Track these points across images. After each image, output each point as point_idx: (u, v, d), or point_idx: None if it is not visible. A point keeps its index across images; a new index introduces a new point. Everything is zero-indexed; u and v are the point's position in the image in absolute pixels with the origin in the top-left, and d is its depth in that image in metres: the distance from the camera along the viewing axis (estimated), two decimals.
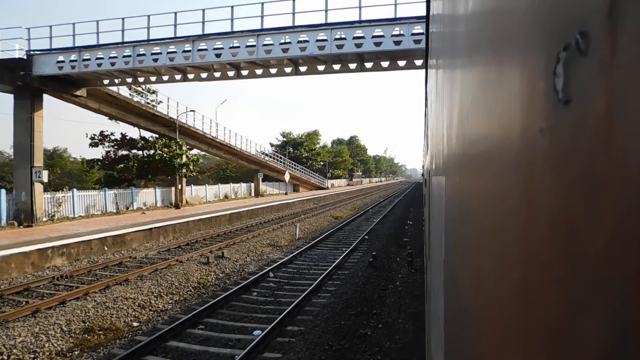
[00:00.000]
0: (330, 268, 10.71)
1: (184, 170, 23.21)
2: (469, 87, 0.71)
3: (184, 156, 23.62)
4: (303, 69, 13.98)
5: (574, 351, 0.22)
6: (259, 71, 14.46)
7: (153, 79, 15.65)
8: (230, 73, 14.61)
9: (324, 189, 49.16)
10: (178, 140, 22.08)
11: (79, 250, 11.72)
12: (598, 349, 0.19)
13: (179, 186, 22.93)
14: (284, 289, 9.43)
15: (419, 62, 12.72)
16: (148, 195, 22.28)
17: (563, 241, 0.24)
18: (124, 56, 14.13)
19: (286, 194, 38.70)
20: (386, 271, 10.82)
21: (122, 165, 21.80)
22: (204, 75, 14.90)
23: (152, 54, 13.94)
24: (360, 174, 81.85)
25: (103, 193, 19.21)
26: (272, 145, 52.46)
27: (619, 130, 0.18)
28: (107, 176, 21.99)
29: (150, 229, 14.68)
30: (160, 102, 23.24)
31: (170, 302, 8.83)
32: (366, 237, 16.13)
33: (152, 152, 22.60)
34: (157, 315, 8.00)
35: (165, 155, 22.04)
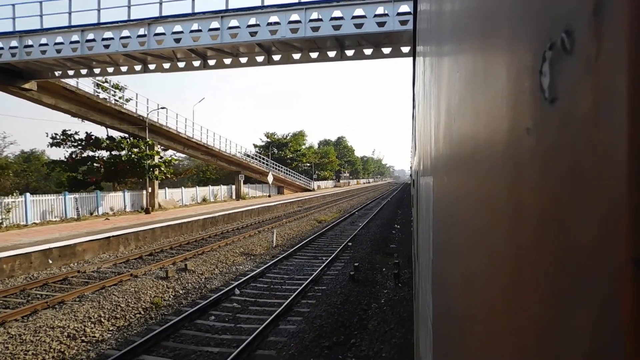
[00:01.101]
0: (305, 283, 9.35)
1: (156, 173, 21.55)
2: (456, 87, 0.71)
3: (156, 157, 21.96)
4: (276, 57, 12.58)
5: (562, 349, 0.22)
6: (227, 60, 13.00)
7: (110, 70, 14.05)
8: (196, 63, 13.13)
9: (309, 190, 47.58)
10: (148, 139, 20.41)
11: (14, 265, 10.10)
12: (586, 346, 0.19)
13: (150, 189, 21.24)
14: (248, 310, 8.01)
15: (405, 49, 11.44)
16: (116, 200, 20.57)
17: (550, 239, 0.24)
18: (72, 42, 12.50)
19: (269, 196, 37.11)
20: (369, 285, 9.49)
21: (85, 167, 19.96)
22: (166, 65, 13.38)
23: (103, 39, 12.35)
24: (348, 175, 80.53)
25: (62, 197, 17.48)
26: (255, 146, 50.80)
27: (604, 129, 0.18)
28: (71, 179, 20.18)
29: (108, 237, 13.09)
30: (130, 99, 21.60)
31: (110, 329, 7.34)
32: (350, 243, 14.81)
33: (120, 152, 20.89)
34: (88, 349, 6.51)
35: (133, 156, 20.34)
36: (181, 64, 13.28)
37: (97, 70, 14.19)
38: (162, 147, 25.49)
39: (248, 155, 36.17)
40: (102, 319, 7.60)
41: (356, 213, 26.32)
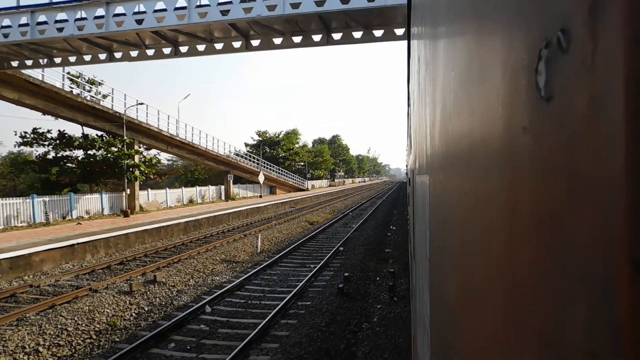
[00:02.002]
0: (288, 297, 8.15)
1: (136, 173, 20.20)
2: (452, 85, 0.71)
3: (136, 157, 20.61)
4: (255, 42, 11.31)
5: (560, 347, 0.22)
6: (201, 47, 11.70)
7: (72, 59, 12.70)
8: (167, 50, 11.85)
9: (303, 190, 46.12)
10: (125, 138, 19.04)
11: None
12: (584, 345, 0.19)
13: (128, 190, 19.86)
14: (217, 334, 6.80)
15: (399, 32, 10.24)
16: (92, 202, 19.19)
17: (547, 238, 0.24)
18: (21, 25, 11.16)
19: (261, 196, 35.57)
20: (361, 299, 8.31)
21: (57, 168, 18.54)
22: (134, 53, 12.08)
23: (57, 21, 11.01)
24: (343, 174, 78.98)
25: (30, 201, 16.12)
26: (247, 145, 49.05)
27: (600, 127, 0.18)
28: (43, 180, 18.78)
29: (73, 245, 11.80)
30: (107, 95, 20.22)
31: None
32: (341, 248, 13.61)
33: (97, 152, 19.49)
34: None
35: (110, 155, 18.96)
36: (150, 52, 11.99)
37: (57, 60, 12.85)
38: (144, 147, 24.16)
39: (238, 154, 34.85)
40: (41, 348, 6.35)
41: (350, 214, 25.10)
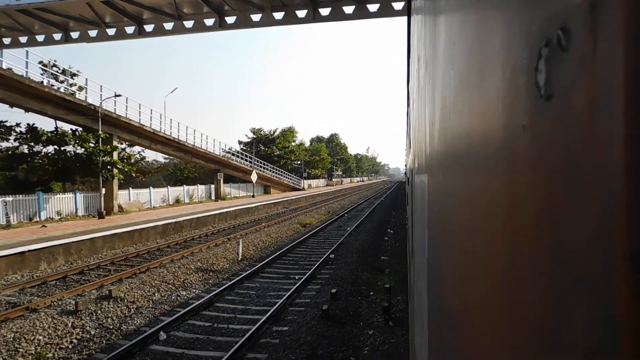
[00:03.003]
0: (263, 319, 6.74)
1: (115, 171, 18.71)
2: (451, 84, 0.71)
3: (115, 153, 19.10)
4: (230, 20, 9.85)
5: (559, 346, 0.22)
6: (168, 25, 10.26)
7: (24, 39, 11.32)
8: (130, 29, 10.42)
9: (299, 190, 44.65)
10: (100, 132, 17.52)
11: None
12: (583, 343, 0.19)
13: (104, 190, 18.25)
14: None
15: (398, 6, 8.81)
16: (64, 202, 17.64)
17: (546, 236, 0.24)
18: None
19: (253, 196, 34.01)
20: (349, 323, 6.89)
21: (24, 166, 17.00)
22: (92, 33, 10.68)
23: None
24: (341, 173, 77.10)
25: None
26: (240, 142, 47.59)
27: (600, 126, 0.18)
28: (9, 179, 17.26)
29: (23, 252, 10.34)
30: (83, 87, 18.71)
31: None
32: (332, 255, 12.19)
33: (70, 147, 18.02)
34: None
35: (83, 151, 17.46)
36: (111, 31, 10.56)
37: (6, 40, 11.46)
38: (127, 143, 22.68)
39: (229, 152, 33.37)
40: None
41: (345, 215, 23.58)
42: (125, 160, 20.51)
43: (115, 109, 19.35)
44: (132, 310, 7.97)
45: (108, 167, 18.48)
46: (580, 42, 0.20)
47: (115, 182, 19.48)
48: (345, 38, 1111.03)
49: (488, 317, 0.41)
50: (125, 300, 8.31)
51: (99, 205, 18.37)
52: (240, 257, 12.15)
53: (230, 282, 9.30)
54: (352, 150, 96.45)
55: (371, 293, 8.65)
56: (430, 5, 1.17)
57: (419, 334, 1.82)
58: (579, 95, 0.20)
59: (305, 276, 9.56)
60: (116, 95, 18.56)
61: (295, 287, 8.66)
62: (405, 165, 17.82)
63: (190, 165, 34.47)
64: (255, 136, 47.09)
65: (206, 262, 11.67)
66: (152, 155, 46.16)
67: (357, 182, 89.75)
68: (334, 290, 8.00)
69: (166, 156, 33.75)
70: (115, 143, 19.60)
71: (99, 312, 7.63)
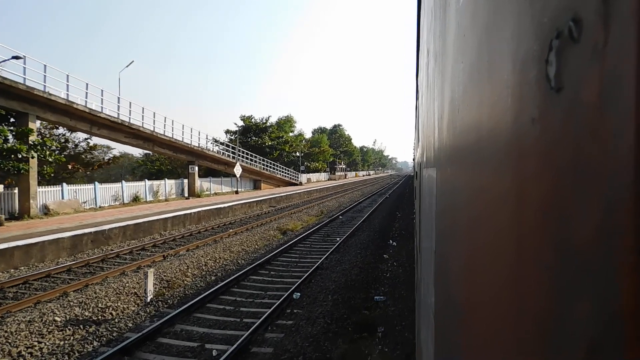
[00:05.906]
0: None
1: (32, 162, 14.89)
2: (460, 77, 0.71)
3: (31, 137, 15.10)
4: None
5: (564, 338, 0.22)
6: None
7: None
8: None
9: (296, 185, 39.92)
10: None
11: None
12: (588, 337, 0.19)
13: (1, 187, 14.55)
14: None
15: None
16: None
17: (555, 229, 0.24)
18: None
19: (237, 192, 29.11)
20: None
21: None
22: None
23: None
24: (344, 167, 73.46)
25: None
26: (228, 132, 41.88)
27: (610, 118, 0.18)
28: None
29: None
30: None
31: None
32: (296, 295, 7.65)
33: None
34: None
35: None
36: None
37: None
38: (61, 127, 19.77)
39: (215, 141, 30.38)
40: None
41: (340, 217, 19.20)
42: (40, 148, 15.14)
43: (24, 79, 14.80)
44: None
45: (16, 155, 14.17)
46: (592, 33, 0.19)
47: (33, 176, 15.16)
48: (355, 29, 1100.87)
49: (494, 310, 0.41)
50: None
51: (10, 206, 14.76)
52: (149, 297, 7.62)
53: (109, 352, 4.97)
54: (357, 143, 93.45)
55: None
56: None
57: (424, 327, 1.81)
58: (589, 87, 0.20)
59: (237, 345, 5.21)
60: (15, 57, 14.09)
61: None
62: (414, 159, 17.30)
63: (162, 157, 30.58)
64: (245, 124, 41.47)
65: (92, 308, 6.91)
66: (127, 148, 40.89)
67: (363, 176, 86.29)
68: None
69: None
70: (34, 125, 15.72)
71: None
